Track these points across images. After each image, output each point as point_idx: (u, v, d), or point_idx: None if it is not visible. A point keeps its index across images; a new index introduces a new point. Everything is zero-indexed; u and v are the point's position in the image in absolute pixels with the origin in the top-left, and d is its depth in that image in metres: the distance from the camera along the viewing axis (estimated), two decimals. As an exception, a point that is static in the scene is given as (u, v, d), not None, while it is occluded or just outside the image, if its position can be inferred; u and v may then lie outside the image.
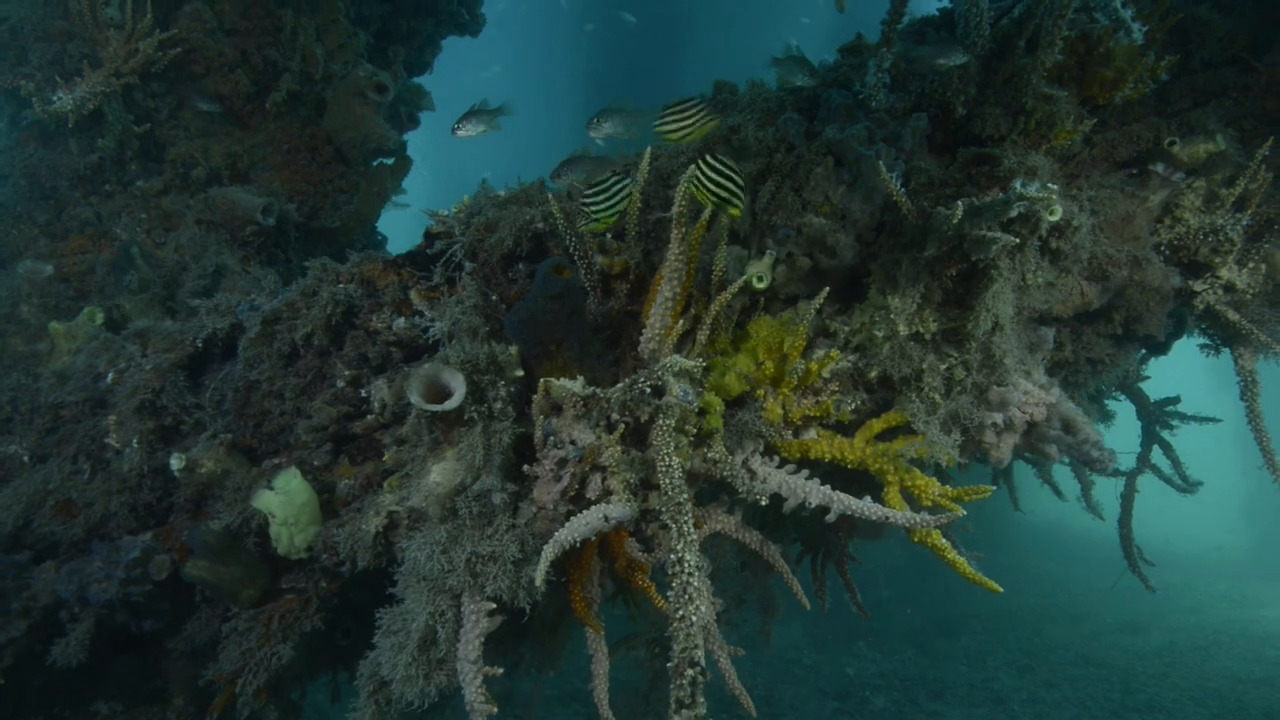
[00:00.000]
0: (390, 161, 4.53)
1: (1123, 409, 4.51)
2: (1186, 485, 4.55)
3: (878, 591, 11.13)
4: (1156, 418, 4.42)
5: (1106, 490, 4.77)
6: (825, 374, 2.57)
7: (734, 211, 2.11)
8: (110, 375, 2.64)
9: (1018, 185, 2.18)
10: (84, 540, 2.55)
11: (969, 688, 8.98)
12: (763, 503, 2.37)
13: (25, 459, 2.63)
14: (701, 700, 1.76)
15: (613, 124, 2.46)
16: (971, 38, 2.45)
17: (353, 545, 2.30)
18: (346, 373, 2.62)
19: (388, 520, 2.29)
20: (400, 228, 6.12)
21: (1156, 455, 4.43)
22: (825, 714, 8.24)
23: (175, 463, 2.43)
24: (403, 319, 2.65)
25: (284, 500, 2.44)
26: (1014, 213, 2.07)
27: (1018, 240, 2.16)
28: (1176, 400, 4.42)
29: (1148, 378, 4.31)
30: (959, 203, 2.06)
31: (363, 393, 2.67)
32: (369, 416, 2.65)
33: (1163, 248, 2.79)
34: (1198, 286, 2.83)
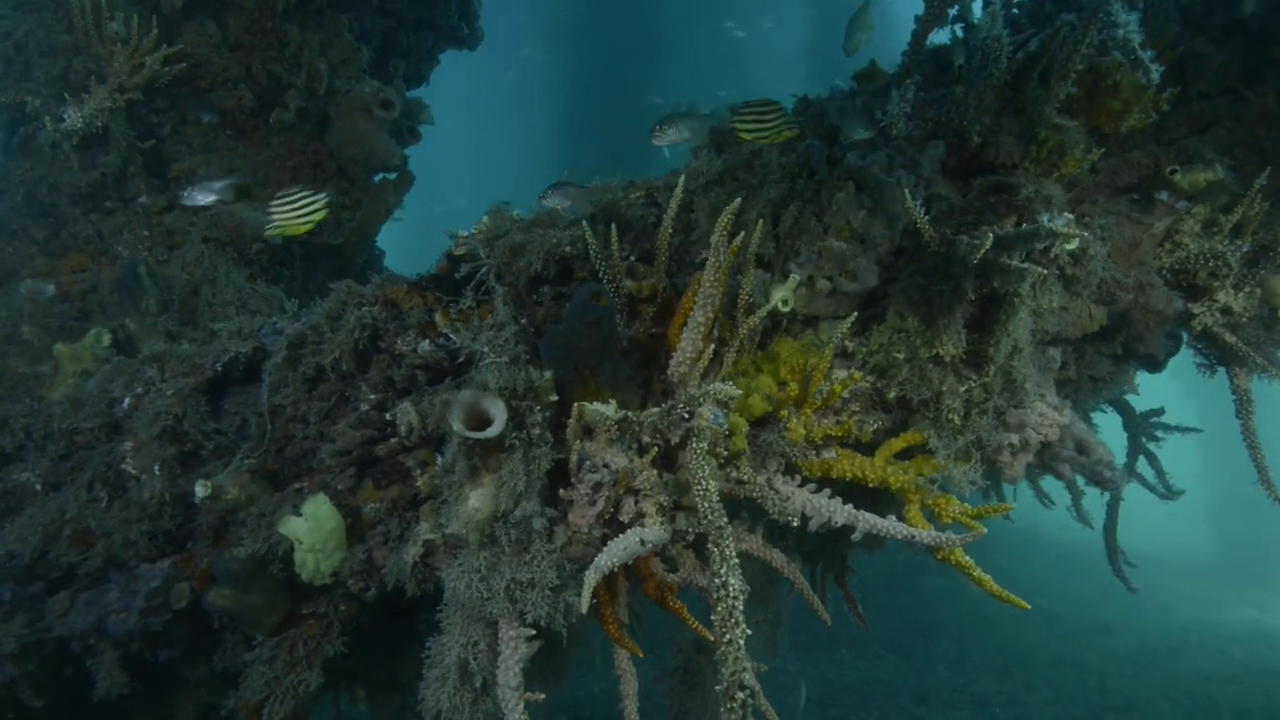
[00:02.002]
0: (393, 177, 4.51)
1: (1105, 419, 4.65)
2: (1169, 493, 4.71)
3: (868, 598, 11.30)
4: (1142, 429, 4.57)
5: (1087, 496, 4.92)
6: (846, 394, 2.63)
7: (789, 134, 2.43)
8: (127, 400, 2.59)
9: (1044, 219, 2.25)
10: (102, 570, 2.49)
11: (951, 691, 9.14)
12: (794, 523, 2.41)
13: (38, 487, 2.56)
14: (752, 721, 1.80)
15: (678, 129, 2.42)
16: (989, 69, 2.53)
17: (397, 578, 2.30)
18: (371, 396, 2.60)
19: (424, 549, 2.28)
20: (393, 240, 6.07)
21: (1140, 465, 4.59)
22: (813, 722, 8.31)
23: (201, 490, 2.39)
24: (428, 342, 2.64)
25: (312, 526, 2.41)
26: (1041, 245, 2.14)
27: (1044, 271, 2.24)
28: (1161, 412, 4.58)
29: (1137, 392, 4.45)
30: (988, 233, 2.12)
31: (387, 416, 2.65)
32: (393, 440, 2.63)
33: (1164, 271, 2.90)
34: (1196, 309, 2.94)
